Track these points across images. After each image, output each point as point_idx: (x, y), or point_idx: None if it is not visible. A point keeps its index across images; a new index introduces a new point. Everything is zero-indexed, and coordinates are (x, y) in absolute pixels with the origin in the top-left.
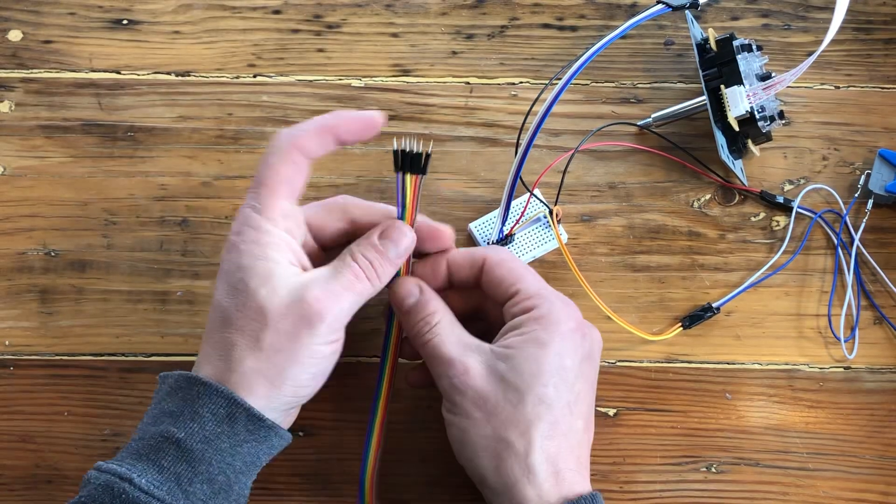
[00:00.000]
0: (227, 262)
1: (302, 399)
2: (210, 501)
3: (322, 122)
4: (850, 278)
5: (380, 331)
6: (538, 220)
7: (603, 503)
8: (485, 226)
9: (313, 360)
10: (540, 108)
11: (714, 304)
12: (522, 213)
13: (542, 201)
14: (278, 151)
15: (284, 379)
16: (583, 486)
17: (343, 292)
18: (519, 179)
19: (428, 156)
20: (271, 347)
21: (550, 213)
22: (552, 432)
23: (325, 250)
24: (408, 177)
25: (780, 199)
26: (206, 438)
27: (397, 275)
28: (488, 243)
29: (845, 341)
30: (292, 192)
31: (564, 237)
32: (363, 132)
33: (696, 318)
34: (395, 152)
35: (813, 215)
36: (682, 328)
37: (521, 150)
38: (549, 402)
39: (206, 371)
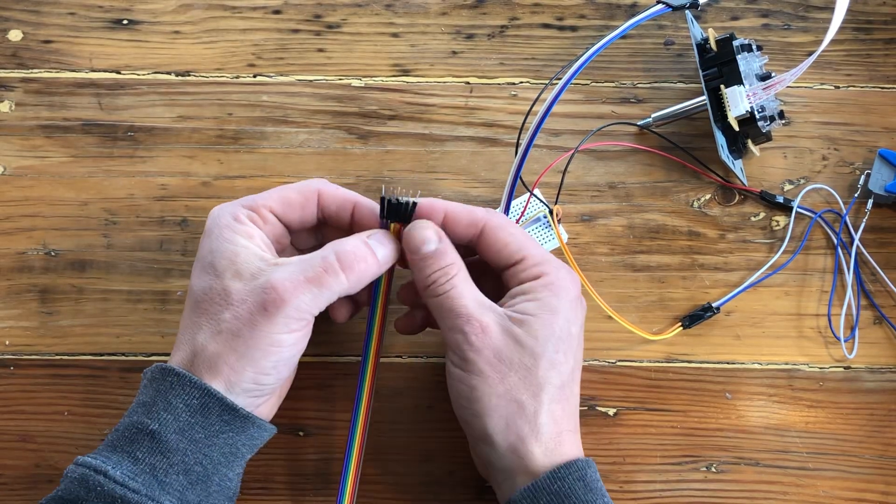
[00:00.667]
0: (201, 248)
1: (266, 388)
2: (187, 492)
3: (355, 197)
4: (850, 278)
5: None
6: (538, 219)
7: (596, 469)
8: None
9: (273, 347)
10: (540, 109)
11: (714, 304)
12: (522, 212)
13: (542, 201)
14: (301, 182)
15: (245, 364)
16: (578, 450)
17: (307, 283)
18: (519, 179)
19: (414, 204)
20: (230, 331)
21: (550, 212)
22: (559, 396)
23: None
24: (392, 224)
25: (780, 199)
26: (180, 429)
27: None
28: None
29: (845, 341)
30: (282, 213)
31: (565, 237)
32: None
33: (696, 317)
34: (382, 199)
35: (813, 215)
36: (682, 328)
37: (521, 150)
38: (558, 366)
39: (178, 358)
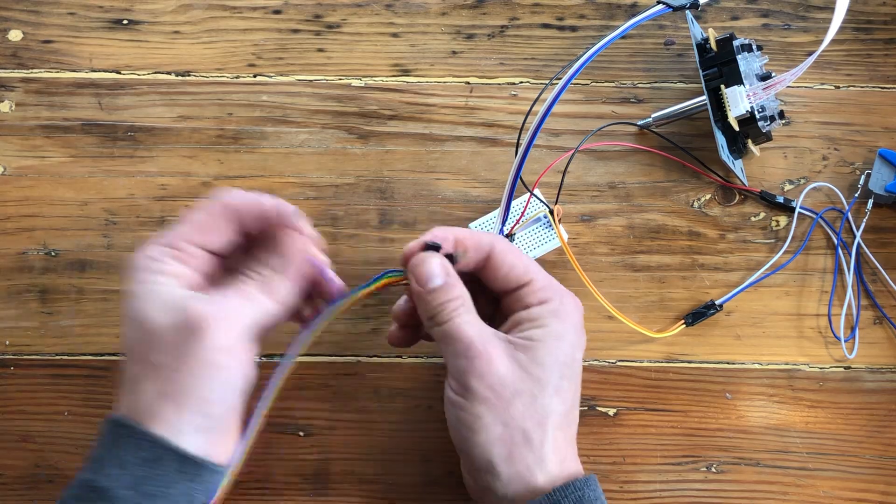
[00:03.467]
0: (125, 293)
1: (217, 419)
2: None
3: (261, 203)
4: (850, 278)
5: (380, 331)
6: (538, 219)
7: (596, 484)
8: (485, 225)
9: (211, 371)
10: (540, 109)
11: (717, 302)
12: (522, 212)
13: (542, 201)
14: (213, 202)
15: (187, 396)
16: (577, 468)
17: (232, 299)
18: (519, 179)
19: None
20: (165, 366)
21: (551, 212)
22: (563, 422)
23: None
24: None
25: (781, 199)
26: (132, 484)
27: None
28: None
29: (845, 341)
30: (201, 240)
31: (565, 236)
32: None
33: (699, 315)
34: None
35: (814, 215)
36: (684, 325)
37: (521, 150)
38: (563, 393)
39: (122, 406)
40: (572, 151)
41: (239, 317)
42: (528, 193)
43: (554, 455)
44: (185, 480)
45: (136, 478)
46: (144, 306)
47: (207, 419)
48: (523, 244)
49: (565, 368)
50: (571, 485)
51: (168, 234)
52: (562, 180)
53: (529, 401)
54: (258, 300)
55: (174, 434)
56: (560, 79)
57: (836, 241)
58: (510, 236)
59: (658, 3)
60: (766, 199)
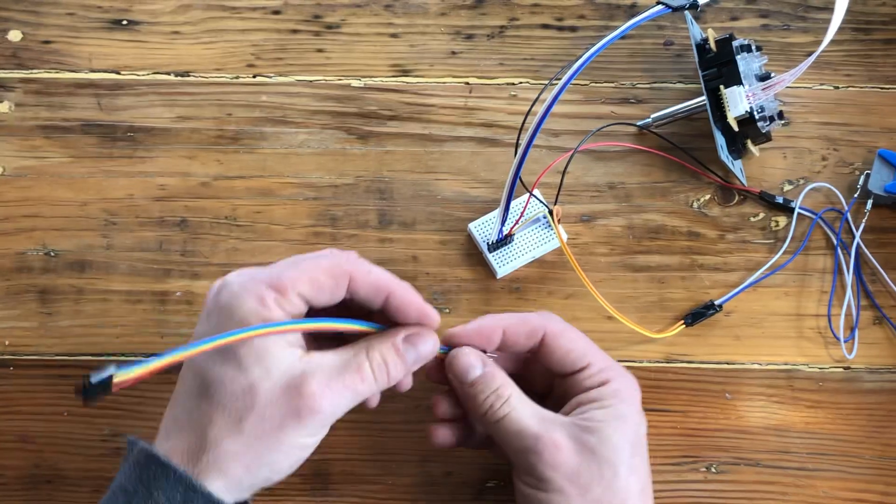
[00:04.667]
0: (218, 326)
1: (273, 483)
2: None
3: (387, 281)
4: (849, 278)
5: None
6: (537, 220)
7: None
8: (484, 226)
9: (295, 450)
10: (539, 109)
11: (716, 302)
12: (522, 213)
13: (541, 201)
14: (332, 261)
15: (261, 465)
16: None
17: (344, 391)
18: (518, 180)
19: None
20: (253, 433)
21: (550, 213)
22: (640, 501)
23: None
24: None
25: (780, 200)
26: None
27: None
28: (488, 244)
29: (845, 341)
30: (311, 296)
31: (564, 237)
32: (414, 318)
33: (698, 315)
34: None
35: (813, 216)
36: (684, 325)
37: (520, 150)
38: (637, 471)
39: (175, 444)
40: (571, 152)
41: (342, 406)
42: (528, 194)
43: None
44: None
45: None
46: (251, 360)
47: (267, 483)
48: (522, 244)
49: (635, 447)
50: None
51: (276, 272)
52: (561, 180)
53: (606, 484)
54: (365, 388)
55: (219, 490)
56: (559, 79)
57: (835, 242)
58: (509, 236)
59: (657, 3)
60: (766, 200)
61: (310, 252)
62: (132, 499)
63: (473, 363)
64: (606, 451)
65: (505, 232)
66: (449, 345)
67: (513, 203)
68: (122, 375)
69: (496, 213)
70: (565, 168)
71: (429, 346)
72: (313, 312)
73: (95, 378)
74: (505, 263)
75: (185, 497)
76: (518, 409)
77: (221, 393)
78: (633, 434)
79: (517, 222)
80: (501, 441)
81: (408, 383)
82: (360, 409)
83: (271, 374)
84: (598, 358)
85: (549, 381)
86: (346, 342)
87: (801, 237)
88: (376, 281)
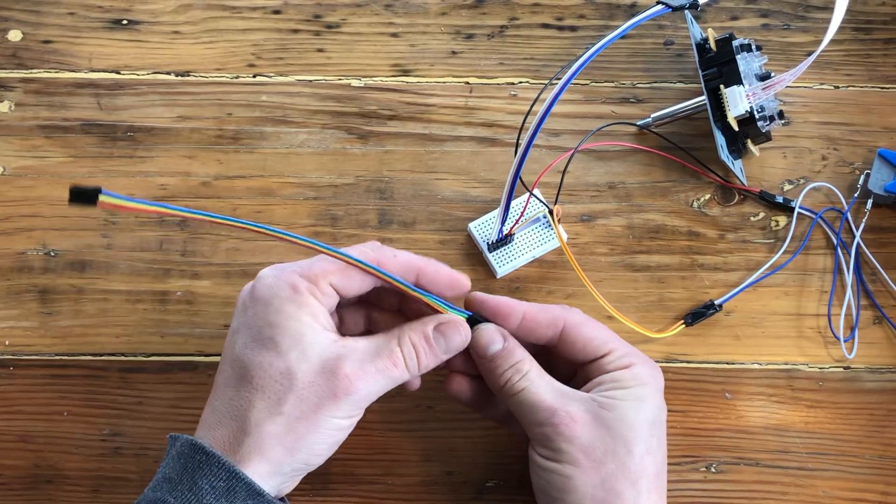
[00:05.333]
0: (254, 316)
1: (312, 467)
2: None
3: (414, 259)
4: (849, 278)
5: None
6: (537, 220)
7: None
8: (484, 226)
9: (332, 431)
10: (539, 109)
11: (716, 301)
12: (522, 212)
13: (541, 201)
14: (358, 251)
15: (301, 447)
16: None
17: (377, 375)
18: (518, 179)
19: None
20: (293, 414)
21: (550, 212)
22: (655, 484)
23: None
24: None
25: (780, 199)
26: None
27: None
28: (488, 243)
29: (845, 341)
30: (342, 286)
31: (564, 237)
32: (446, 287)
33: (698, 315)
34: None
35: (813, 215)
36: (684, 325)
37: (520, 150)
38: (654, 453)
39: (217, 433)
40: (572, 151)
41: (375, 389)
42: (528, 193)
43: None
44: None
45: None
46: (289, 344)
47: (307, 467)
48: (522, 244)
49: (654, 428)
50: None
51: (306, 263)
52: (561, 180)
53: (620, 460)
54: (398, 374)
55: (262, 475)
56: (559, 79)
57: (835, 241)
58: (509, 236)
59: (658, 3)
60: (766, 199)
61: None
62: (176, 487)
63: (494, 338)
64: (622, 429)
65: (505, 231)
66: (470, 308)
67: (513, 203)
68: (108, 198)
69: (496, 213)
70: (565, 168)
71: (459, 338)
72: (344, 304)
73: (82, 188)
74: (505, 263)
75: (228, 484)
76: (536, 382)
77: (261, 377)
78: (653, 416)
79: (517, 222)
80: (519, 414)
81: (416, 384)
82: None
83: (308, 357)
84: (620, 345)
85: (571, 371)
86: (371, 334)
87: (802, 237)
88: (404, 263)
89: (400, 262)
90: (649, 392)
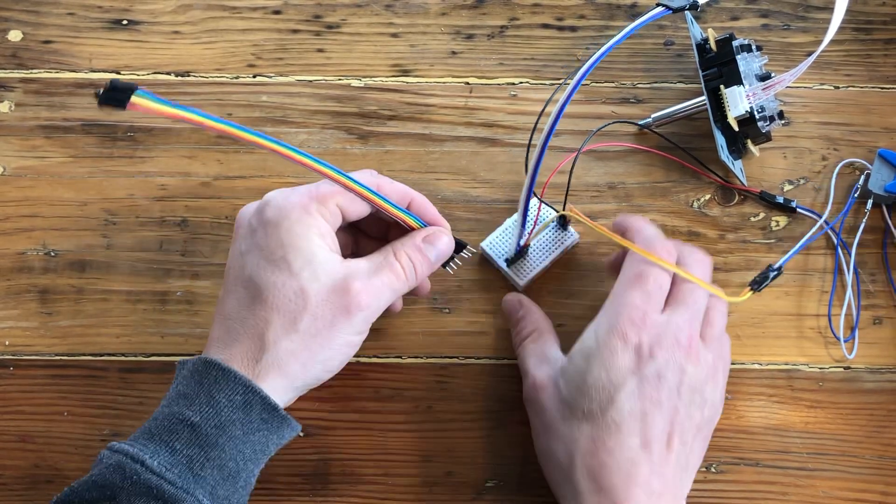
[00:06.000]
0: (265, 237)
1: (320, 381)
2: (219, 487)
3: (409, 190)
4: (849, 277)
5: (380, 331)
6: (549, 223)
7: None
8: (500, 239)
9: (344, 347)
10: (551, 113)
11: (774, 265)
12: (535, 220)
13: (551, 207)
14: (363, 174)
15: (316, 363)
16: None
17: (383, 288)
18: (532, 193)
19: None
20: (308, 332)
21: (563, 217)
22: (594, 448)
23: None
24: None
25: (781, 200)
26: (220, 424)
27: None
28: (506, 261)
29: (845, 341)
30: (346, 207)
31: (577, 236)
32: (429, 221)
33: (763, 278)
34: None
35: (814, 216)
36: (751, 291)
37: (531, 163)
38: (592, 418)
39: (234, 351)
40: (575, 154)
41: (382, 303)
42: (538, 200)
43: (585, 483)
44: (265, 430)
45: (224, 419)
46: (300, 264)
47: (316, 381)
48: (539, 250)
49: (596, 391)
50: None
51: (314, 185)
52: (568, 182)
53: (559, 424)
54: (399, 285)
55: (277, 390)
56: (569, 82)
57: (835, 242)
58: (527, 248)
59: (657, 4)
60: (766, 200)
61: None
62: (193, 401)
63: (515, 306)
64: (566, 392)
65: (522, 243)
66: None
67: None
68: (142, 98)
69: (506, 226)
70: (571, 169)
71: (444, 242)
72: (345, 226)
73: (120, 84)
74: (525, 274)
75: (244, 398)
76: (529, 347)
77: (275, 296)
78: (596, 378)
79: (531, 233)
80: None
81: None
82: (361, 408)
83: (319, 276)
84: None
85: None
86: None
87: (802, 237)
88: (401, 189)
89: (398, 188)
90: (600, 350)
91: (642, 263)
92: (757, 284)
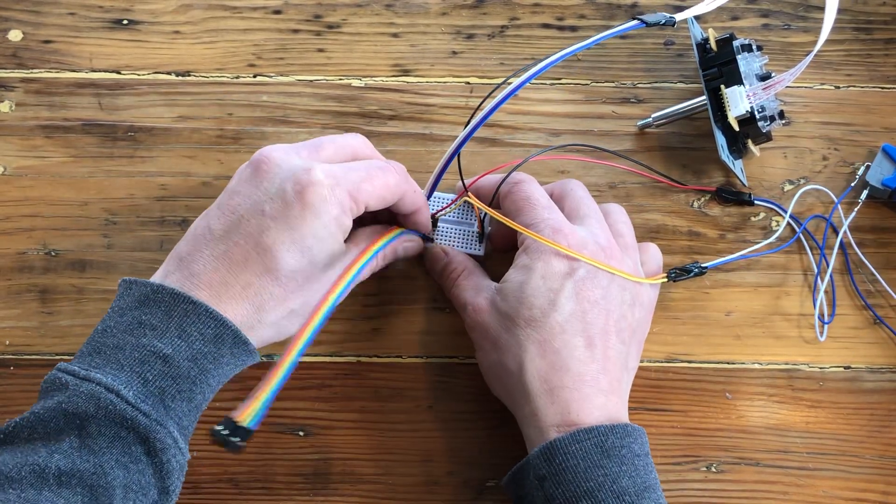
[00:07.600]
0: (301, 220)
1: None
2: (185, 418)
3: (422, 202)
4: (827, 271)
5: (380, 330)
6: (470, 224)
7: (639, 436)
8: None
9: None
10: (487, 105)
11: (703, 265)
12: (449, 205)
13: (478, 205)
14: (397, 180)
15: (287, 332)
16: (589, 412)
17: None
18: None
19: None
20: (300, 312)
21: (482, 222)
22: (542, 351)
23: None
24: None
25: (747, 197)
26: (192, 357)
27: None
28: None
29: (828, 323)
30: (373, 206)
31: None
32: (420, 228)
33: (683, 271)
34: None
35: (813, 216)
36: (667, 279)
37: (455, 142)
38: (536, 324)
39: (198, 288)
40: (520, 162)
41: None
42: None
43: (536, 384)
44: (232, 363)
45: (196, 351)
46: (323, 260)
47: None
48: (445, 233)
49: (535, 299)
50: (582, 432)
51: (355, 181)
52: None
53: (506, 336)
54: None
55: (248, 326)
56: (510, 82)
57: (835, 241)
58: (435, 218)
59: (633, 18)
60: (724, 195)
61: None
62: (164, 334)
63: (439, 255)
64: (505, 306)
65: (432, 210)
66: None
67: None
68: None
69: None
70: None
71: (415, 246)
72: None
73: (233, 425)
74: (470, 245)
75: (216, 332)
76: (462, 284)
77: (288, 277)
78: (535, 287)
79: (443, 210)
80: (458, 311)
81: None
82: (361, 408)
83: (328, 255)
84: (525, 218)
85: None
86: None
87: (801, 237)
88: (415, 199)
89: (417, 198)
90: (534, 262)
91: (515, 194)
92: (675, 274)
